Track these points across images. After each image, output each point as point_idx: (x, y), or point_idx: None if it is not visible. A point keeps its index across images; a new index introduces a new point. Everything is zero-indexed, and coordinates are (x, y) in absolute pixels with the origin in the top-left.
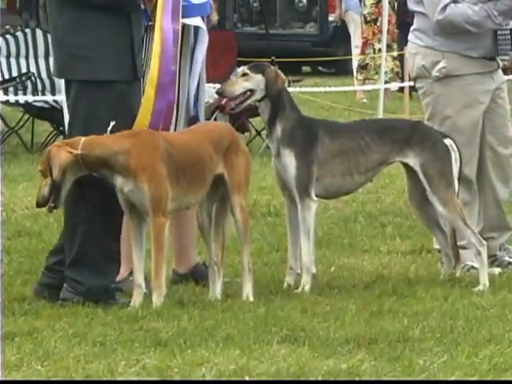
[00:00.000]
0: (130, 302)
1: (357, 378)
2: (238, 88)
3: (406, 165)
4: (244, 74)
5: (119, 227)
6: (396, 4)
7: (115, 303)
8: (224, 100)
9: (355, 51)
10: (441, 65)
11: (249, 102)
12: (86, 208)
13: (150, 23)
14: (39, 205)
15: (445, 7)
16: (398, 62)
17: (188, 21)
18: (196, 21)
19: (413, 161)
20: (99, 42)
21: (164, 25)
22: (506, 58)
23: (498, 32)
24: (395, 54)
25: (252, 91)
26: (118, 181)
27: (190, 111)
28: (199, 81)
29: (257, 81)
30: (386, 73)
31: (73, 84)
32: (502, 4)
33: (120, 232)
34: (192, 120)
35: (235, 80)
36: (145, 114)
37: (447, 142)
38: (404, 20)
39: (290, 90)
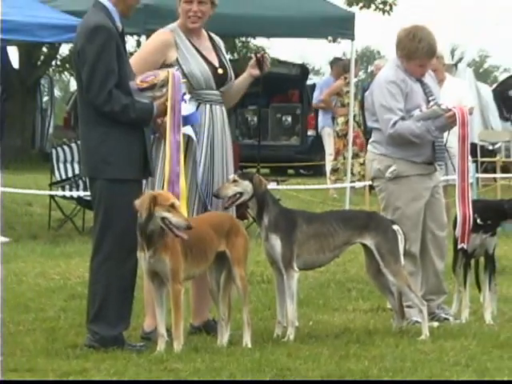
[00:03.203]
0: (141, 346)
1: None
2: (230, 191)
3: (364, 245)
4: (234, 181)
5: (131, 292)
6: (363, 123)
7: (130, 348)
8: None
9: (329, 158)
10: (392, 168)
11: (239, 202)
12: (103, 280)
13: (156, 135)
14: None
15: (395, 123)
16: (364, 167)
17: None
18: (186, 129)
19: (369, 242)
20: (120, 150)
21: (171, 137)
22: (442, 163)
23: (436, 143)
24: (361, 160)
25: (241, 194)
26: (149, 251)
27: (203, 200)
28: (208, 180)
29: (244, 186)
30: (354, 175)
31: (98, 182)
32: (439, 121)
33: (132, 295)
34: (203, 206)
35: (227, 185)
36: None
37: (395, 227)
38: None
39: (278, 187)
